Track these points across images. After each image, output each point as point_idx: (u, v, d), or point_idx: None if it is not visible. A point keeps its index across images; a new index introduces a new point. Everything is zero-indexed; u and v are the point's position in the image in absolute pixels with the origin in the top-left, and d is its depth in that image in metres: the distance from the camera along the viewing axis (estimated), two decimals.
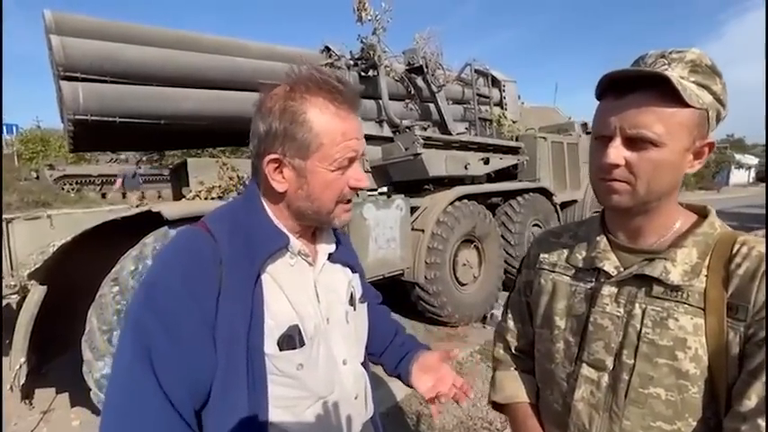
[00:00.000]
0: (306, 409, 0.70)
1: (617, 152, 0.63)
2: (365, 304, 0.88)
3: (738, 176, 36.80)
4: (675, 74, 0.61)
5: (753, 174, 40.21)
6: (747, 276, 0.60)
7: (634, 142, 0.62)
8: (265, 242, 0.69)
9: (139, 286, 0.65)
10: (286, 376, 0.68)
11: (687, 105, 0.60)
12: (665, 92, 0.59)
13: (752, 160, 40.40)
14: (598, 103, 0.69)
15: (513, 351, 0.92)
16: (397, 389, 2.81)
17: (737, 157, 37.42)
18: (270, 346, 0.66)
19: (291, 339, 0.68)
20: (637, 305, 0.67)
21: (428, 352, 0.93)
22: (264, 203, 0.73)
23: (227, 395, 0.63)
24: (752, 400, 0.56)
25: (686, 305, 0.63)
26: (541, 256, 0.86)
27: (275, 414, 0.67)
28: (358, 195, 3.65)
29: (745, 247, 0.62)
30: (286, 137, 0.66)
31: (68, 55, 2.69)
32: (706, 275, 0.63)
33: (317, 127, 0.66)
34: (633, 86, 0.62)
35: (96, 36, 2.89)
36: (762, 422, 0.54)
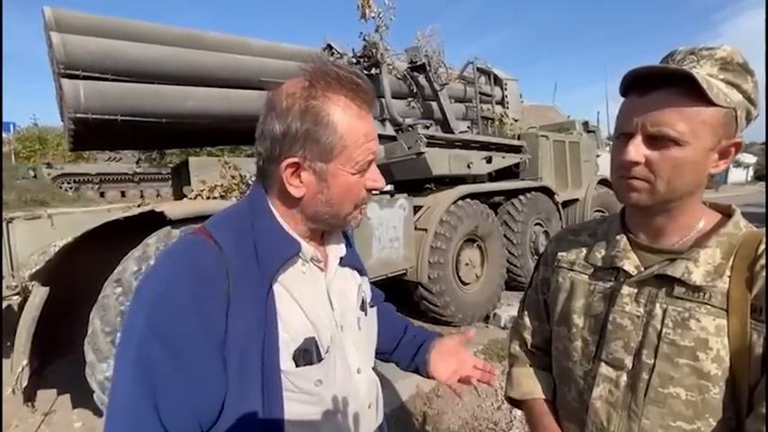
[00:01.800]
0: (323, 423, 0.67)
1: (637, 150, 0.63)
2: (374, 308, 0.86)
3: (736, 175, 36.92)
4: (704, 71, 0.60)
5: (751, 172, 40.35)
6: None
7: (656, 140, 0.61)
8: (277, 250, 0.64)
9: (138, 305, 0.60)
10: (304, 393, 0.64)
11: (713, 104, 0.59)
12: (690, 90, 0.58)
13: (750, 159, 40.53)
14: (623, 99, 0.68)
15: (530, 348, 0.93)
16: (402, 390, 2.79)
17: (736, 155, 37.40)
18: (285, 361, 0.62)
19: (308, 353, 0.64)
20: (657, 305, 0.66)
21: (444, 338, 0.90)
22: (273, 208, 0.68)
23: (241, 414, 0.59)
24: None
25: (708, 306, 0.62)
26: (559, 254, 0.85)
27: (289, 428, 0.63)
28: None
29: None
30: (308, 139, 0.61)
31: (69, 52, 2.66)
32: (729, 276, 0.62)
33: (341, 129, 0.62)
34: (657, 84, 0.61)
35: (97, 33, 2.86)
36: None
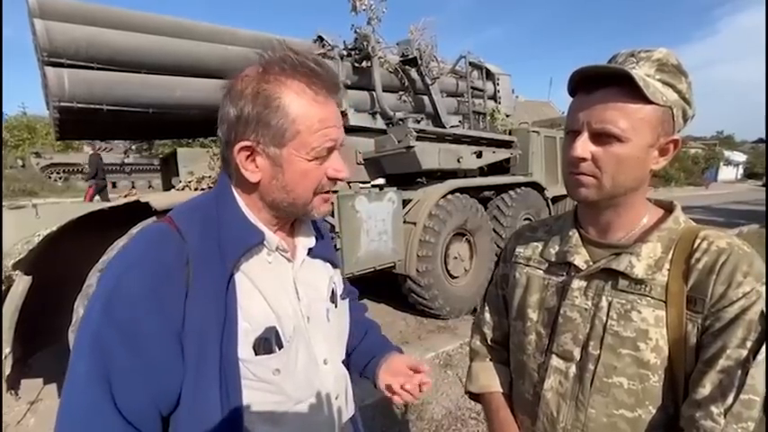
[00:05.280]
0: (284, 413, 0.67)
1: (584, 146, 0.65)
2: (346, 301, 0.85)
3: (727, 173, 37.36)
4: (642, 72, 0.63)
5: (741, 170, 40.87)
6: (706, 270, 0.62)
7: (600, 137, 0.64)
8: (238, 239, 0.64)
9: (96, 293, 0.59)
10: (262, 381, 0.64)
11: (650, 102, 0.62)
12: (630, 89, 0.61)
13: (740, 157, 41.02)
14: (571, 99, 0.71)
15: (489, 343, 0.95)
16: None
17: (726, 153, 37.94)
18: (244, 350, 0.62)
19: (268, 342, 0.64)
20: (603, 298, 0.69)
21: (397, 356, 0.88)
22: (237, 196, 0.68)
23: (198, 402, 0.59)
24: (706, 388, 0.59)
25: (649, 298, 0.65)
26: (517, 250, 0.88)
27: (251, 420, 0.63)
28: (350, 187, 3.64)
29: (705, 242, 0.65)
30: (259, 123, 0.61)
31: (53, 40, 2.62)
32: (668, 269, 0.65)
33: (293, 113, 0.61)
34: (600, 83, 0.64)
35: (82, 21, 2.81)
36: (714, 409, 0.57)
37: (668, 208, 0.73)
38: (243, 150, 0.63)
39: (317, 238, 0.79)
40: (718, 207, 14.07)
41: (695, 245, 0.65)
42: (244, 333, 0.62)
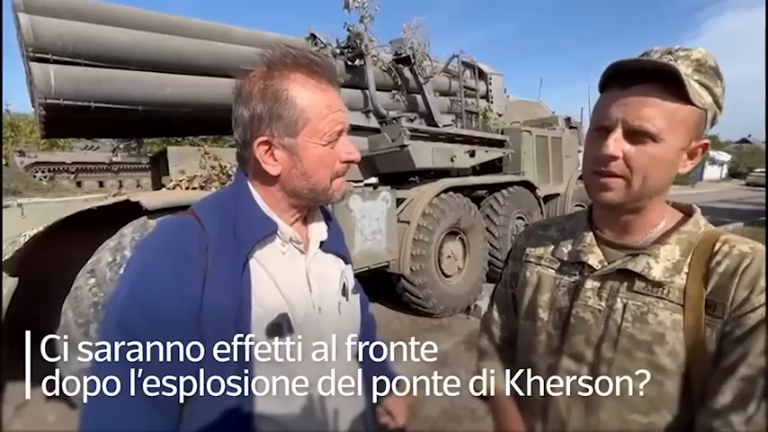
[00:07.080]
0: (294, 399, 0.69)
1: (617, 144, 0.61)
2: (357, 295, 0.87)
3: (711, 172, 38.11)
4: (681, 70, 0.60)
5: (725, 170, 41.77)
6: (727, 274, 0.60)
7: (634, 135, 0.61)
8: (253, 229, 0.68)
9: (122, 279, 0.64)
10: (273, 365, 0.67)
11: (690, 103, 0.59)
12: (670, 86, 0.59)
13: (724, 157, 41.89)
14: (599, 95, 0.67)
15: (497, 342, 0.93)
16: None
17: (711, 153, 38.69)
18: (257, 334, 0.65)
19: (280, 327, 0.67)
20: (618, 299, 0.67)
21: (390, 396, 0.94)
22: (253, 191, 0.72)
23: (213, 381, 0.62)
24: (726, 396, 0.57)
25: (666, 301, 0.63)
26: (528, 248, 0.85)
27: (263, 404, 0.66)
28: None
29: (727, 245, 0.63)
30: (272, 117, 0.65)
31: (39, 35, 2.55)
32: (687, 273, 0.63)
33: (301, 102, 0.66)
34: (638, 78, 0.61)
35: (69, 15, 2.75)
36: (734, 418, 0.55)
37: (687, 211, 0.72)
38: (261, 145, 0.67)
39: (329, 233, 0.82)
40: (704, 205, 14.26)
41: (716, 248, 0.63)
42: (257, 318, 0.65)
